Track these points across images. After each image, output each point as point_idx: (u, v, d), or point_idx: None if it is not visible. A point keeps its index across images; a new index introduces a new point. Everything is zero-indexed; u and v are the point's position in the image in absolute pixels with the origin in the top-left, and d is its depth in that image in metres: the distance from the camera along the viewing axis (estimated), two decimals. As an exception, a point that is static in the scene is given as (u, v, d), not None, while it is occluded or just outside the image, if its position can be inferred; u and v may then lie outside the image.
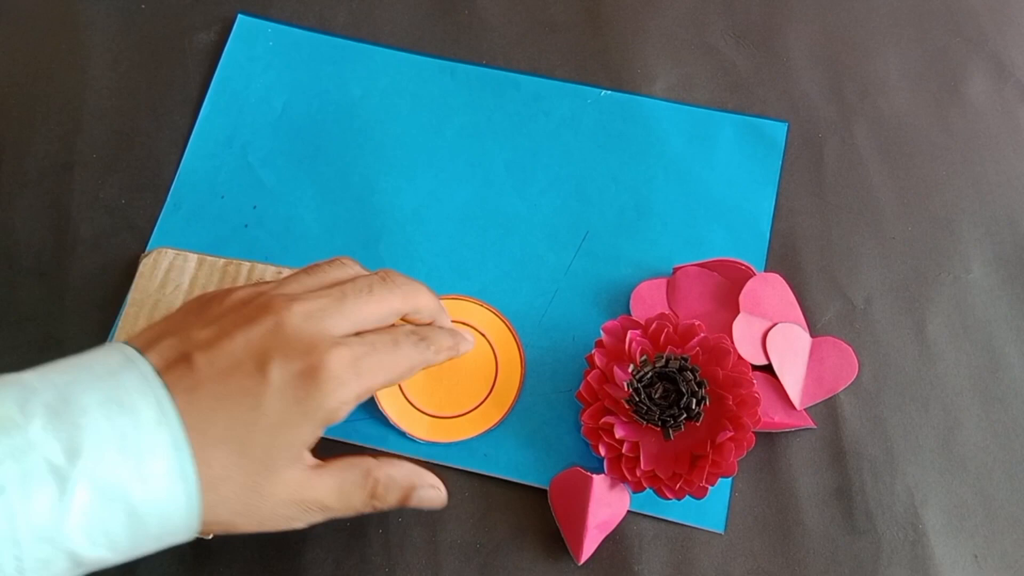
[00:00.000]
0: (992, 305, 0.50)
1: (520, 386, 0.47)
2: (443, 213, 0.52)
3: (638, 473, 0.43)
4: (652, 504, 0.45)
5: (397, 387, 0.46)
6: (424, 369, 0.41)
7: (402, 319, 0.41)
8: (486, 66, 0.56)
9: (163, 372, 0.33)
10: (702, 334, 0.45)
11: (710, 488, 0.42)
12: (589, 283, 0.50)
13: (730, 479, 0.46)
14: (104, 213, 0.52)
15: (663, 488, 0.43)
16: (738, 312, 0.48)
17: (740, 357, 0.45)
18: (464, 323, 0.48)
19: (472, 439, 0.46)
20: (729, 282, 0.49)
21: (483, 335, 0.48)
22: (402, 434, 0.46)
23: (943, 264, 0.51)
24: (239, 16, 0.57)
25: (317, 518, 0.37)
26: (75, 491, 0.29)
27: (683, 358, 0.44)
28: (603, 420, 0.44)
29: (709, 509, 0.45)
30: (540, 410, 0.47)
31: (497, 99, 0.55)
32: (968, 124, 0.54)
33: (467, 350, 0.44)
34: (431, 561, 0.44)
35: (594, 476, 0.44)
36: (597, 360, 0.45)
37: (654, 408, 0.43)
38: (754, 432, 0.43)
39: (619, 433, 0.43)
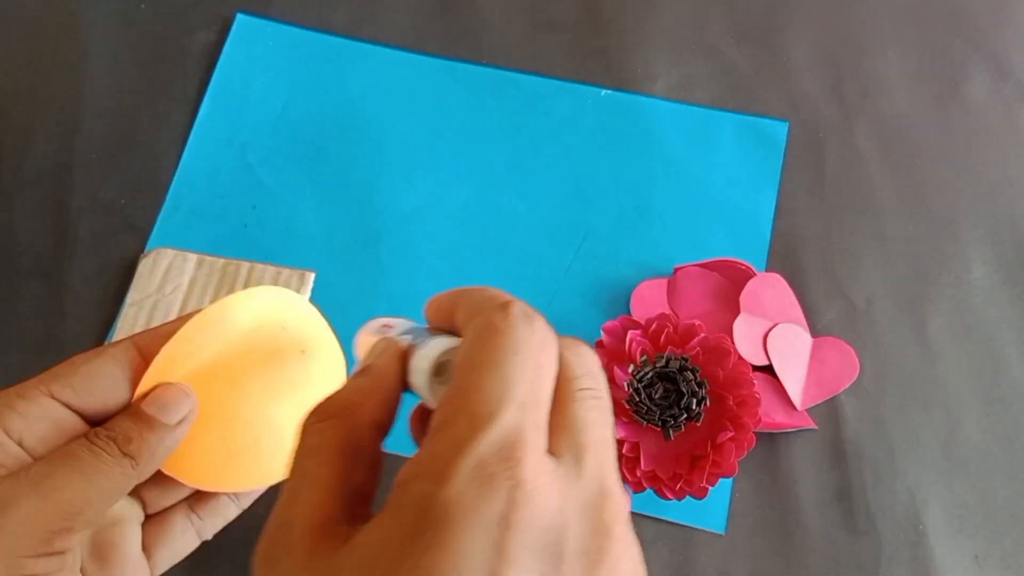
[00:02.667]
0: (993, 305, 0.50)
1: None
2: (443, 213, 0.52)
3: (638, 473, 0.43)
4: (652, 504, 0.45)
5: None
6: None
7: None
8: (486, 66, 0.56)
9: None
10: (702, 334, 0.45)
11: (710, 488, 0.42)
12: (589, 283, 0.50)
13: (730, 480, 0.45)
14: (104, 213, 0.52)
15: (663, 488, 0.43)
16: (739, 312, 0.48)
17: (740, 357, 0.45)
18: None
19: None
20: (729, 282, 0.49)
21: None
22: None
23: (944, 265, 0.51)
24: (238, 15, 0.57)
25: None
26: None
27: (683, 358, 0.44)
28: (603, 420, 0.44)
29: (709, 510, 0.45)
30: (540, 410, 0.47)
31: (497, 99, 0.55)
32: (968, 124, 0.54)
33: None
34: (431, 562, 0.44)
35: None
36: (597, 360, 0.45)
37: (654, 408, 0.43)
38: (755, 432, 0.43)
39: (619, 433, 0.43)
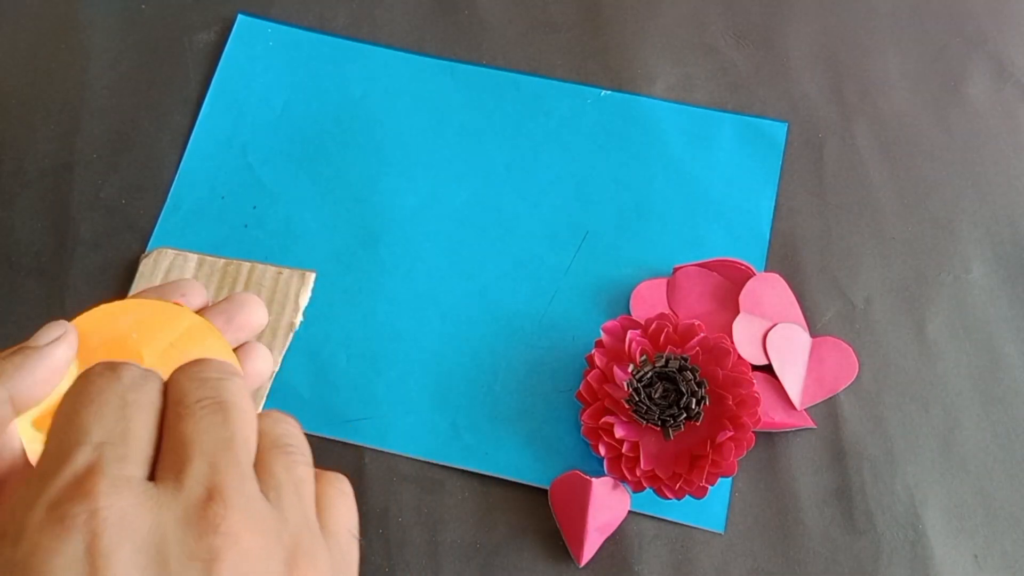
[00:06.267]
0: (992, 305, 0.50)
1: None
2: (443, 213, 0.52)
3: (638, 473, 0.43)
4: (652, 504, 0.45)
5: None
6: None
7: None
8: (486, 66, 0.56)
9: None
10: (702, 334, 0.45)
11: (710, 488, 0.42)
12: (589, 283, 0.50)
13: (730, 479, 0.46)
14: (104, 213, 0.52)
15: (663, 488, 0.43)
16: (738, 312, 0.48)
17: (740, 357, 0.45)
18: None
19: (471, 439, 0.46)
20: (729, 282, 0.49)
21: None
22: None
23: (943, 264, 0.51)
24: (239, 16, 0.57)
25: None
26: None
27: (683, 358, 0.44)
28: (603, 420, 0.44)
29: (709, 509, 0.45)
30: (540, 410, 0.47)
31: (497, 99, 0.55)
32: (968, 124, 0.54)
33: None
34: (431, 561, 0.44)
35: (593, 480, 0.44)
36: (597, 360, 0.45)
37: (654, 408, 0.43)
38: (754, 432, 0.43)
39: (619, 433, 0.43)
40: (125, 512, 0.19)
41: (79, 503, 0.19)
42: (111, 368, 0.23)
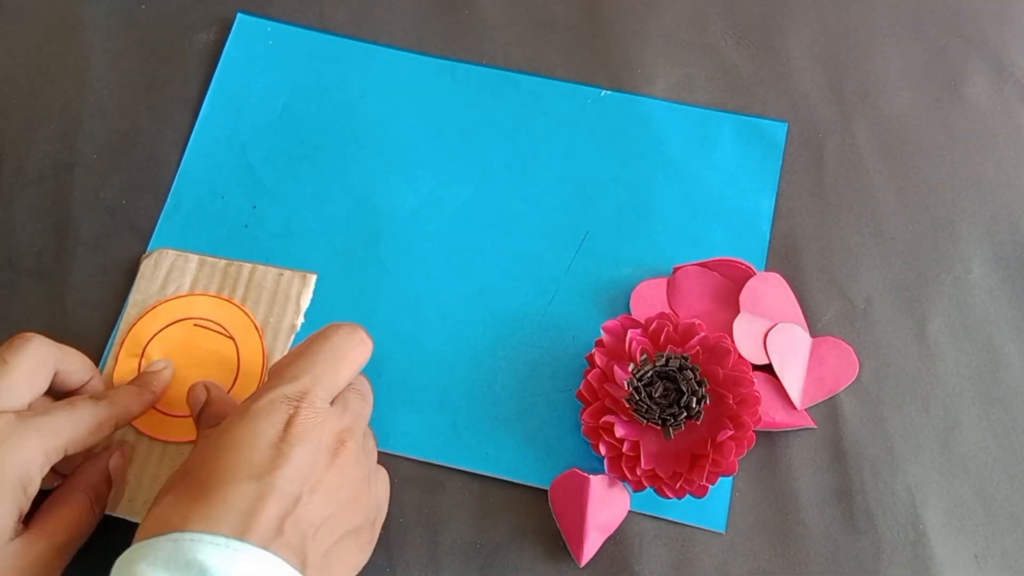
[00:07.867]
0: (992, 305, 0.50)
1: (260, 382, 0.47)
2: (443, 213, 0.52)
3: (638, 472, 0.43)
4: (652, 504, 0.45)
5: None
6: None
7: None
8: (486, 66, 0.56)
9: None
10: (702, 333, 0.45)
11: (710, 487, 0.42)
12: (589, 283, 0.50)
13: (730, 478, 0.46)
14: (104, 213, 0.52)
15: (663, 487, 0.43)
16: (738, 312, 0.48)
17: (740, 356, 0.45)
18: (209, 320, 0.48)
19: (471, 440, 0.46)
20: (729, 282, 0.49)
21: (230, 336, 0.48)
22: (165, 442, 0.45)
23: (943, 264, 0.51)
24: (239, 15, 0.57)
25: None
26: None
27: (683, 357, 0.44)
28: (603, 419, 0.44)
29: (709, 508, 0.45)
30: (540, 410, 0.47)
31: (497, 99, 0.55)
32: (968, 124, 0.54)
33: (159, 387, 0.45)
34: (431, 561, 0.44)
35: (591, 477, 0.44)
36: (597, 359, 0.45)
37: (654, 407, 0.43)
38: (754, 431, 0.43)
39: (619, 432, 0.43)
40: (314, 415, 0.35)
41: (295, 401, 0.35)
42: (352, 328, 0.39)
